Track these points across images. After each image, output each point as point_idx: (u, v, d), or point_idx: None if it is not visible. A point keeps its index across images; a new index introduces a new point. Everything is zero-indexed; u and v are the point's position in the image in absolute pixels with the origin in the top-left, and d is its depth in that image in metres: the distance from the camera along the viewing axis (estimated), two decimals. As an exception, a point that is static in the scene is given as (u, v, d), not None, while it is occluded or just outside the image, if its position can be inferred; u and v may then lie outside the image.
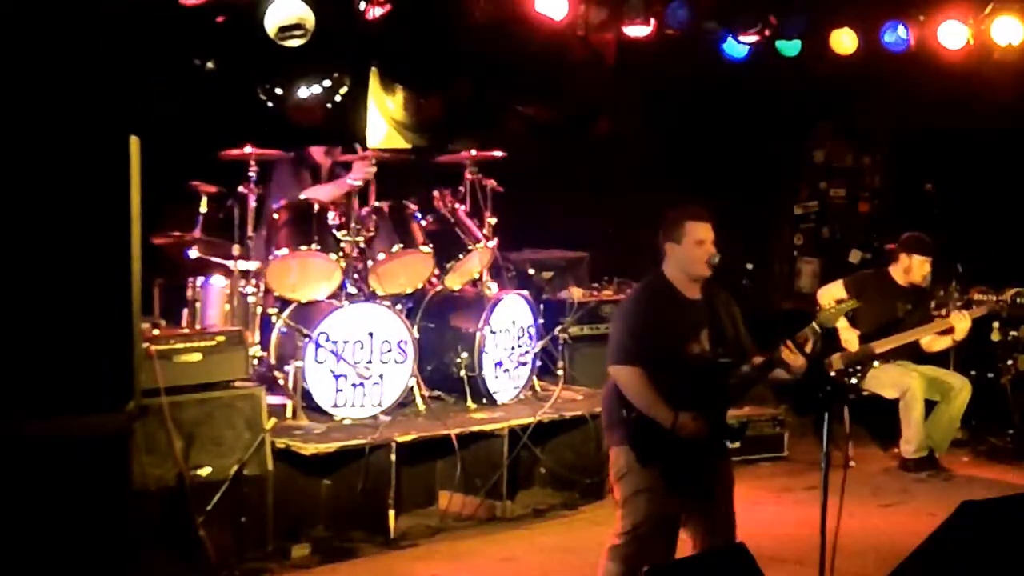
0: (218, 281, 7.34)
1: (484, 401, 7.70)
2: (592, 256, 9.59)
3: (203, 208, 7.47)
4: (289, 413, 7.03)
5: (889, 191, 11.57)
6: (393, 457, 6.74)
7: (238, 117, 7.98)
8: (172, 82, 7.61)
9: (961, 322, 8.32)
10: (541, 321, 8.06)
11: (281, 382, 7.17)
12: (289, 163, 7.83)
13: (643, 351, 5.05)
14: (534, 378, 8.09)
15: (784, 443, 8.68)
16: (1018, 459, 8.70)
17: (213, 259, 7.35)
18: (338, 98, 8.48)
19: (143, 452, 5.85)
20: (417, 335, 7.46)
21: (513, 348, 7.89)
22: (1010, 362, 8.98)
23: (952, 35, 9.55)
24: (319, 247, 7.30)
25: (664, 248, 5.22)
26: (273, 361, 7.29)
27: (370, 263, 7.56)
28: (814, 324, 5.11)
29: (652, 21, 9.05)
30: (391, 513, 6.72)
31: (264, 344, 7.30)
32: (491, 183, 8.13)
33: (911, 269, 8.56)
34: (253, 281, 7.37)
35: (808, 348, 5.05)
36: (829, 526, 4.84)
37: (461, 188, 8.14)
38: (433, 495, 7.36)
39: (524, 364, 7.97)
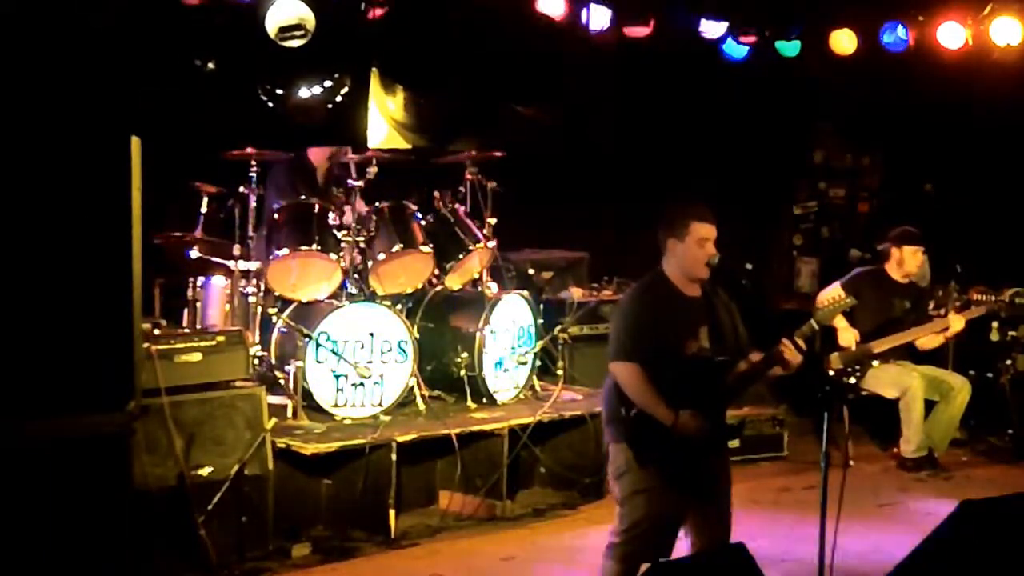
0: (219, 281, 7.36)
1: (484, 401, 7.71)
2: (592, 256, 9.59)
3: (204, 208, 7.49)
4: (289, 413, 7.04)
5: (888, 191, 11.59)
6: (393, 457, 6.75)
7: (239, 117, 7.99)
8: (173, 82, 7.62)
9: (957, 323, 8.36)
10: (541, 321, 8.07)
11: (282, 382, 7.18)
12: (286, 165, 7.85)
13: (642, 348, 5.05)
14: (534, 378, 8.09)
15: (783, 443, 8.69)
16: (1017, 458, 8.72)
17: (214, 259, 7.37)
18: (339, 99, 8.49)
19: (144, 452, 5.85)
20: (417, 335, 7.47)
21: (513, 348, 7.90)
22: (1009, 362, 8.99)
23: (951, 35, 9.57)
24: (319, 247, 7.31)
25: (666, 244, 5.21)
26: (274, 361, 7.30)
27: (370, 263, 7.57)
28: (812, 322, 5.13)
29: (652, 21, 9.10)
30: (391, 512, 6.73)
31: (264, 344, 7.31)
32: (491, 183, 8.14)
33: (903, 261, 8.58)
34: (254, 281, 7.39)
35: (805, 345, 5.06)
36: (828, 526, 4.85)
37: (461, 188, 8.15)
38: (433, 495, 7.37)
39: (524, 364, 7.98)
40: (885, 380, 8.43)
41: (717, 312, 5.20)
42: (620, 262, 9.26)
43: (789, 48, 9.74)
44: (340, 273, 7.43)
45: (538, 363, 8.14)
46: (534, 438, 7.38)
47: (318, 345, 7.08)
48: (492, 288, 8.07)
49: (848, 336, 8.33)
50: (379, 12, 8.16)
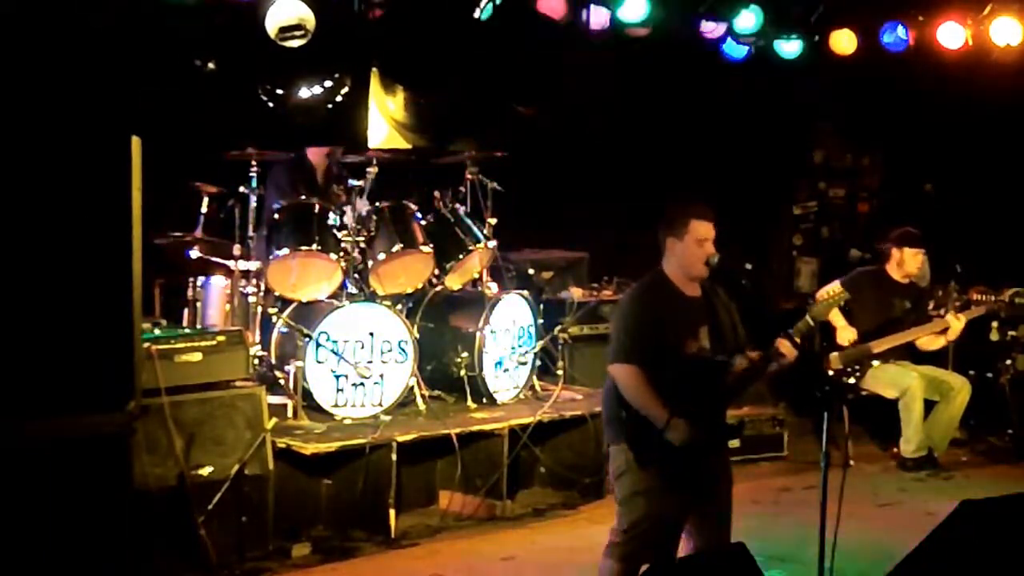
0: (219, 281, 7.36)
1: (484, 401, 7.71)
2: (592, 256, 9.59)
3: (204, 208, 7.49)
4: (290, 413, 7.04)
5: (888, 191, 11.59)
6: (394, 457, 6.75)
7: (239, 117, 8.00)
8: (173, 83, 7.62)
9: (955, 323, 8.37)
10: (541, 321, 8.07)
11: (282, 382, 7.18)
12: (285, 165, 7.85)
13: (641, 350, 5.05)
14: (534, 378, 8.10)
15: (783, 443, 8.69)
16: (1017, 458, 8.73)
17: (214, 259, 7.37)
18: (339, 98, 8.49)
19: (144, 452, 5.85)
20: (417, 335, 7.48)
21: (513, 348, 7.90)
22: (1008, 362, 9.00)
23: (951, 36, 9.57)
24: (320, 247, 7.31)
25: (665, 243, 5.22)
26: (274, 361, 7.30)
27: (370, 263, 7.58)
28: (807, 318, 5.13)
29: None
30: (392, 512, 6.73)
31: (265, 344, 7.31)
32: (491, 183, 8.14)
33: (904, 262, 8.60)
34: (254, 281, 7.39)
35: (800, 341, 5.07)
36: (828, 526, 4.85)
37: (461, 188, 8.16)
38: (433, 494, 7.37)
39: (524, 364, 7.98)
40: (885, 380, 8.44)
41: (717, 312, 5.20)
42: (620, 262, 9.26)
43: (789, 48, 9.74)
44: (340, 273, 7.44)
45: (538, 363, 8.14)
46: (534, 438, 7.38)
47: (318, 345, 7.08)
48: (492, 288, 8.08)
49: (846, 334, 8.34)
50: (378, 12, 8.16)
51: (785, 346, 5.03)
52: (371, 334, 7.28)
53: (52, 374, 5.02)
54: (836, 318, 8.27)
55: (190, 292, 7.33)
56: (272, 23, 7.50)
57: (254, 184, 7.38)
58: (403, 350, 7.38)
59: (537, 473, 7.73)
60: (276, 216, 7.41)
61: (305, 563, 6.38)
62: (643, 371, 5.02)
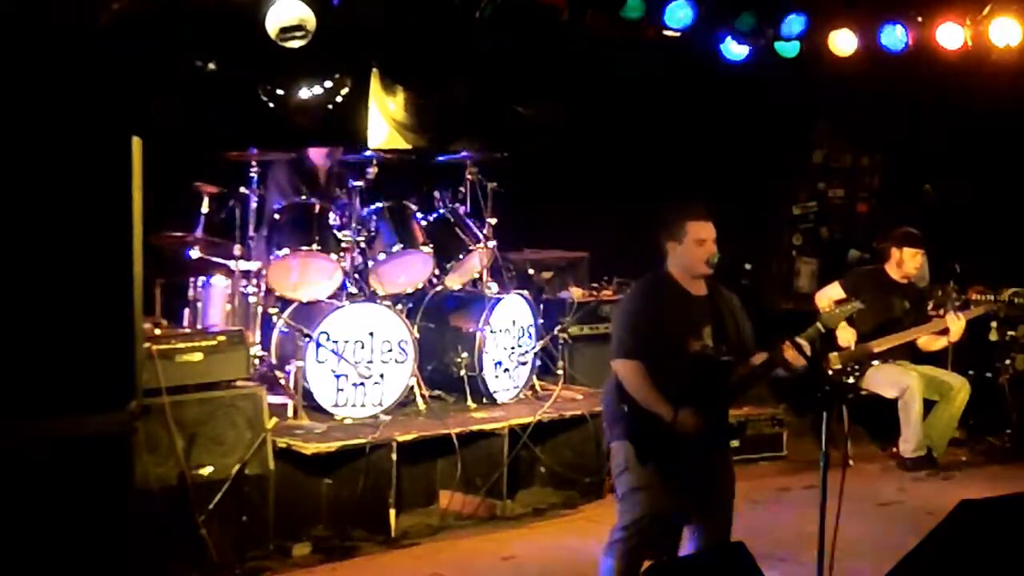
0: (219, 281, 7.37)
1: (484, 401, 7.73)
2: (592, 256, 9.60)
3: (204, 208, 7.49)
4: (290, 413, 7.05)
5: (888, 192, 11.59)
6: (394, 456, 6.76)
7: (239, 118, 7.99)
8: (173, 83, 7.62)
9: (955, 323, 8.38)
10: (541, 321, 8.08)
11: (282, 382, 7.19)
12: (286, 165, 7.86)
13: (644, 346, 5.07)
14: (534, 378, 8.11)
15: (783, 442, 8.70)
16: (1016, 458, 8.73)
17: (214, 259, 7.38)
18: (339, 99, 8.49)
19: (145, 451, 5.86)
20: (417, 335, 7.48)
21: (513, 348, 7.91)
22: (1008, 362, 9.01)
23: (950, 36, 9.56)
24: (320, 247, 7.33)
25: (665, 247, 5.24)
26: (274, 361, 7.31)
27: (371, 263, 7.59)
28: (818, 324, 5.14)
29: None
30: (392, 512, 6.74)
31: (265, 344, 7.32)
32: (491, 183, 8.15)
33: (903, 262, 8.61)
34: (254, 281, 7.40)
35: (809, 350, 5.07)
36: (828, 525, 4.85)
37: (461, 188, 8.17)
38: (433, 494, 7.38)
39: (524, 364, 7.99)
40: (884, 380, 8.45)
41: (722, 312, 5.21)
42: (620, 262, 9.26)
43: (789, 48, 9.73)
44: (340, 273, 7.45)
45: (538, 363, 8.15)
46: (534, 438, 7.39)
47: (318, 345, 7.09)
48: (492, 288, 8.08)
49: (846, 335, 8.35)
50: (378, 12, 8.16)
51: (791, 353, 5.03)
52: (371, 334, 7.29)
53: (52, 374, 5.03)
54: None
55: (190, 292, 7.34)
56: (272, 23, 7.49)
57: (254, 184, 7.39)
58: (403, 350, 7.38)
59: (537, 473, 7.73)
60: (276, 216, 7.42)
61: (305, 563, 6.39)
62: (646, 366, 5.03)
